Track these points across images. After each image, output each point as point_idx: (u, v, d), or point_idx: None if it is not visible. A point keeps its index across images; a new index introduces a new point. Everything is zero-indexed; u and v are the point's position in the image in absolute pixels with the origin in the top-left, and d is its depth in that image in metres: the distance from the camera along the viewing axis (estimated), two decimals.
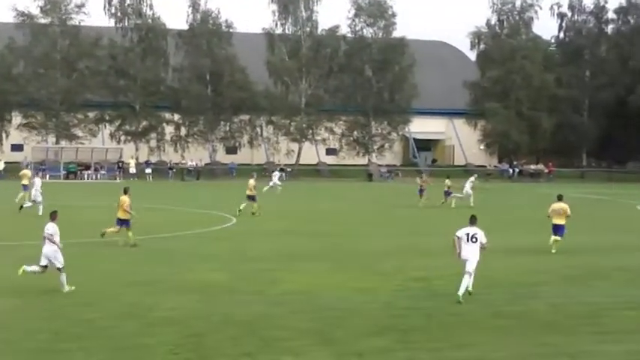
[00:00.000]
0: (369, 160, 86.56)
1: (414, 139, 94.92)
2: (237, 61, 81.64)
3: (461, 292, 17.64)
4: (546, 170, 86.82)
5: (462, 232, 18.40)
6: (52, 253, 17.97)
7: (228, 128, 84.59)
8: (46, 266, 18.07)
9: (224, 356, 13.11)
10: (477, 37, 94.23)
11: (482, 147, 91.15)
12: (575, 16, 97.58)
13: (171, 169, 78.10)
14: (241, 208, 37.49)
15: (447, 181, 45.68)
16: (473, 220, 18.67)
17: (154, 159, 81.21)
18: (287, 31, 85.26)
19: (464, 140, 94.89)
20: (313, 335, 14.51)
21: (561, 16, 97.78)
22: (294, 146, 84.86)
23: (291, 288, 18.96)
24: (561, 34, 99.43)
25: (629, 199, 54.47)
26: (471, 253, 18.12)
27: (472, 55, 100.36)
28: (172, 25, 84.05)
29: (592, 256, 25.21)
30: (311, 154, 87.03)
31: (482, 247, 18.28)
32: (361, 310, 16.60)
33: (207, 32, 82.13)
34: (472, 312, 16.52)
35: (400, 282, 19.94)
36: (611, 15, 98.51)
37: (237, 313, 16.02)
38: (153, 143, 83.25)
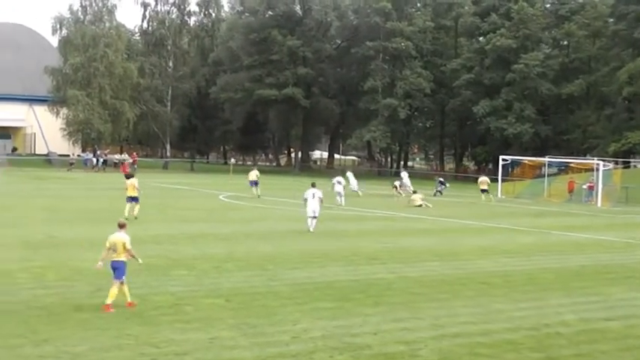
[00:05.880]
0: None
1: None
2: None
3: (312, 228, 30.20)
4: (131, 160, 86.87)
5: (309, 193, 30.56)
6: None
7: None
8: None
9: None
10: (59, 22, 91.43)
11: (65, 135, 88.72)
12: (159, 7, 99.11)
13: None
14: None
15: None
16: (313, 184, 31.37)
17: None
18: None
19: (46, 128, 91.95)
20: None
21: (145, 5, 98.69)
22: None
23: None
24: (145, 24, 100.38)
25: (212, 189, 56.48)
26: (316, 206, 30.41)
27: (54, 41, 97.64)
28: None
29: (174, 245, 25.45)
30: None
31: (321, 201, 30.70)
32: None
33: None
34: (54, 306, 15.95)
35: None
36: (193, 7, 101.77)
37: None
38: None
